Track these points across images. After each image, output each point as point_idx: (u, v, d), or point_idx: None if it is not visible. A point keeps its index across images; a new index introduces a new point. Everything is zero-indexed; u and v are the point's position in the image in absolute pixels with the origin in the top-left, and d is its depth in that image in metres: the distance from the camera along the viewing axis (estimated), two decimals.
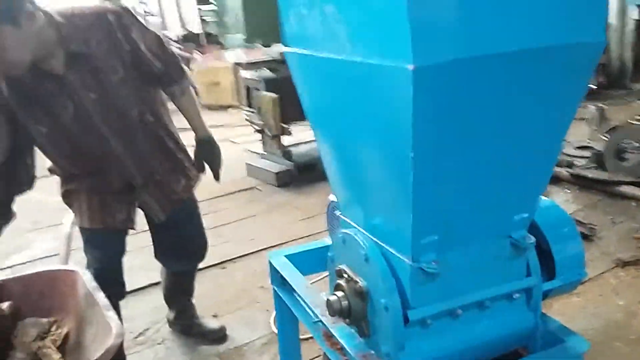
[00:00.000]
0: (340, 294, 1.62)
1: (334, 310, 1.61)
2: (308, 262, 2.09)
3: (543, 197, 1.86)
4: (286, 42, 1.65)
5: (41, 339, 1.93)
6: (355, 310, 1.58)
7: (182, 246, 2.51)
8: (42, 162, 2.24)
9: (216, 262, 3.47)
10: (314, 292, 1.85)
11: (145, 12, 17.40)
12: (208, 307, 2.77)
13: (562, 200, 4.13)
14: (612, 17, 7.55)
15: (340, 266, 1.66)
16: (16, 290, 2.04)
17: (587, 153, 4.77)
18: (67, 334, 1.97)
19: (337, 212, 1.82)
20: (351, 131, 1.52)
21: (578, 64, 1.33)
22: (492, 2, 1.18)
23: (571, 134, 5.58)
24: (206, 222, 4.17)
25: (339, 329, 1.69)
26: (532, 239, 1.57)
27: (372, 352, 1.58)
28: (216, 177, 2.55)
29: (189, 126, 2.40)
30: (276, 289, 2.13)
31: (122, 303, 2.99)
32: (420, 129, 1.21)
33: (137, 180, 2.20)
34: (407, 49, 1.13)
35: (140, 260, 3.45)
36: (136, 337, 2.82)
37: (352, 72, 1.35)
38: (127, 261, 2.54)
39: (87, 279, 1.97)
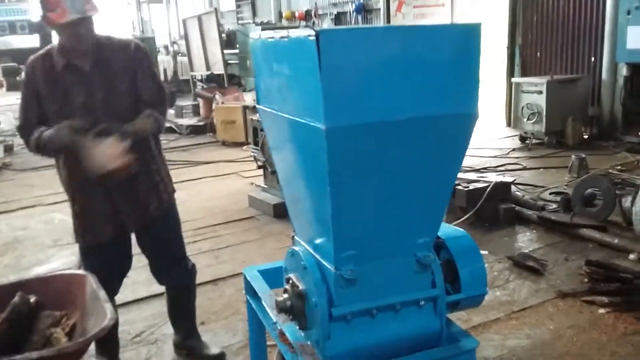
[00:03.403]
0: (285, 295, 2.08)
1: (280, 308, 2.07)
2: (277, 277, 2.49)
3: (457, 228, 2.33)
4: (258, 100, 2.16)
5: (54, 327, 2.41)
6: (296, 308, 2.04)
7: (164, 257, 2.90)
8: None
9: (209, 280, 3.94)
10: (273, 299, 2.30)
11: (175, 52, 18.40)
12: (198, 316, 3.19)
13: (527, 239, 4.53)
14: (604, 73, 8.03)
15: (289, 274, 2.14)
16: (37, 288, 2.52)
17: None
18: (74, 324, 2.44)
19: (293, 234, 2.30)
20: (295, 171, 2.01)
21: (456, 129, 1.81)
22: (385, 83, 1.67)
23: (551, 181, 6.02)
24: (207, 245, 4.73)
25: (287, 326, 2.15)
26: (434, 257, 2.03)
27: (309, 342, 2.02)
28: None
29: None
30: (248, 298, 2.59)
31: (124, 309, 3.48)
32: (333, 170, 1.70)
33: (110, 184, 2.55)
34: (321, 115, 1.63)
35: (144, 276, 3.92)
36: (133, 338, 3.28)
37: (295, 127, 1.85)
38: (132, 277, 3.02)
39: (93, 280, 2.44)
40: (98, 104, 2.52)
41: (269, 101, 2.03)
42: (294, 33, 1.73)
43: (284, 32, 1.79)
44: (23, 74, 2.59)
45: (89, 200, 2.65)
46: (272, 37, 1.88)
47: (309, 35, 1.56)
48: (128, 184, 2.61)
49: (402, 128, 1.71)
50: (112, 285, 2.79)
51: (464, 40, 1.75)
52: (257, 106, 2.18)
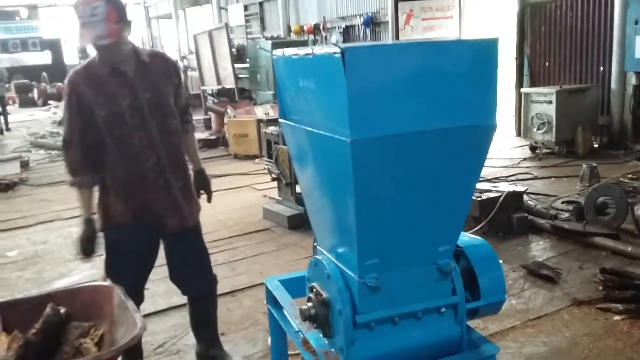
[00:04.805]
0: (310, 304, 2.14)
1: (304, 316, 2.13)
2: (298, 286, 2.55)
3: (475, 237, 2.38)
4: (282, 115, 2.24)
5: (83, 337, 2.48)
6: (320, 316, 2.09)
7: (193, 265, 2.99)
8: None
9: (228, 291, 4.01)
10: (296, 308, 2.35)
11: (185, 67, 18.65)
12: (218, 327, 3.26)
13: (541, 248, 4.57)
14: (614, 82, 8.08)
15: (312, 283, 2.20)
16: (65, 300, 2.59)
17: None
18: (102, 334, 2.51)
19: (315, 244, 2.36)
20: (318, 182, 2.08)
21: (476, 140, 1.87)
22: (407, 96, 1.74)
23: (563, 190, 6.05)
24: (223, 257, 4.80)
25: (310, 333, 2.20)
26: (455, 265, 2.08)
27: (332, 349, 2.08)
28: (209, 199, 3.13)
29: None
30: (270, 307, 2.65)
31: (146, 320, 3.54)
32: (358, 181, 1.77)
33: (169, 176, 2.74)
34: (347, 127, 1.70)
35: (163, 288, 4.01)
36: (156, 349, 3.35)
37: (319, 140, 1.92)
38: (151, 289, 3.09)
39: (120, 292, 2.51)
40: (144, 104, 2.65)
41: (293, 115, 2.11)
42: (318, 50, 1.80)
43: (308, 49, 1.87)
44: (65, 89, 2.71)
45: (151, 195, 2.75)
46: (297, 54, 1.96)
47: (335, 53, 1.64)
48: (179, 173, 2.83)
49: (424, 139, 1.78)
50: (142, 284, 2.95)
51: (482, 54, 1.81)
52: (280, 120, 2.26)
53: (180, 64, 19.85)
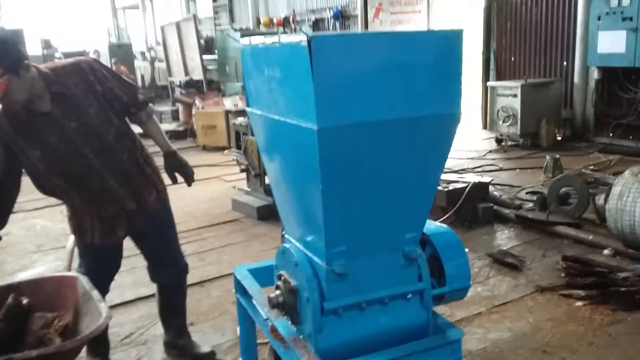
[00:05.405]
0: (278, 292, 2.15)
1: (273, 304, 2.14)
2: (266, 275, 2.56)
3: (441, 224, 2.42)
4: (248, 104, 2.23)
5: (46, 328, 2.44)
6: (288, 304, 2.11)
7: (161, 254, 2.97)
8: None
9: (196, 282, 3.99)
10: (265, 297, 2.36)
11: (152, 58, 18.35)
12: (187, 317, 3.26)
13: (506, 237, 4.68)
14: (576, 77, 8.28)
15: (280, 271, 2.21)
16: (29, 290, 2.54)
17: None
18: (66, 324, 2.47)
19: (283, 232, 2.37)
20: (285, 171, 2.09)
21: (441, 129, 1.90)
22: (374, 85, 1.76)
23: (527, 181, 6.19)
24: (192, 247, 4.78)
25: (278, 321, 2.21)
26: (421, 252, 2.12)
27: (300, 336, 2.09)
28: (188, 182, 2.96)
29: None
30: (238, 296, 2.65)
31: (112, 312, 3.50)
32: (324, 170, 1.78)
33: (118, 191, 2.70)
34: (313, 116, 1.70)
35: (130, 280, 3.98)
36: (123, 339, 3.32)
37: (286, 128, 1.92)
38: (118, 280, 3.06)
39: (85, 282, 2.48)
40: (73, 135, 2.55)
41: (260, 104, 2.10)
42: (285, 39, 1.81)
43: (275, 38, 1.87)
44: None
45: (101, 208, 2.71)
46: (263, 43, 1.95)
47: (302, 41, 1.64)
48: (126, 182, 2.71)
49: (390, 128, 1.80)
50: (107, 283, 2.90)
51: (447, 45, 1.84)
52: (247, 109, 2.25)
53: (147, 55, 19.57)
